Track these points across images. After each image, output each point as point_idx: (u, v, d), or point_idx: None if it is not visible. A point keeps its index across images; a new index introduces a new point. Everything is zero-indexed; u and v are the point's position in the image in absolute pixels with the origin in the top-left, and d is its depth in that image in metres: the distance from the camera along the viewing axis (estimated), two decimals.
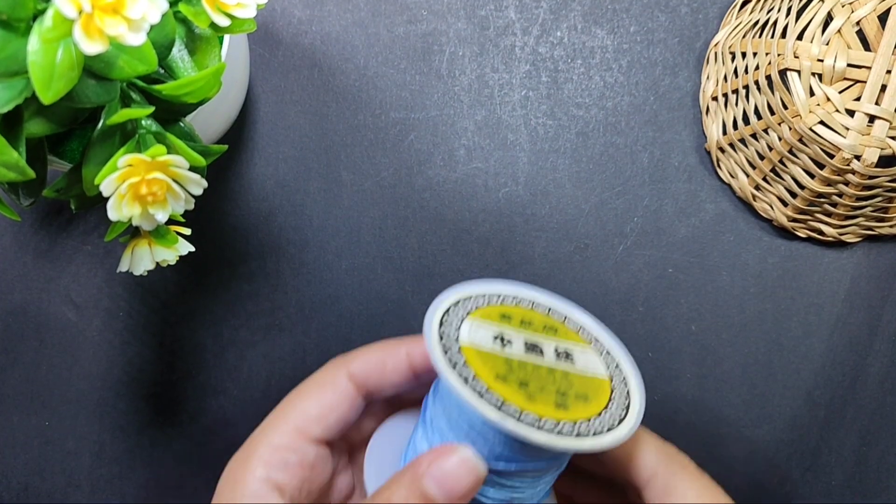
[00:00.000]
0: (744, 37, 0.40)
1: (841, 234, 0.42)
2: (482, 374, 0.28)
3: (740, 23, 0.41)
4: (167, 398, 0.43)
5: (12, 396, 0.43)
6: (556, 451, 0.28)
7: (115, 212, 0.26)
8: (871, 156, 0.36)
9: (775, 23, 0.38)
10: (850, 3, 0.36)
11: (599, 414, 0.29)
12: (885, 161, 0.37)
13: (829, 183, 0.38)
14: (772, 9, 0.39)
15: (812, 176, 0.38)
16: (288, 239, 0.43)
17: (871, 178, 0.37)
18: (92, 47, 0.21)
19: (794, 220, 0.41)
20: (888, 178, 0.37)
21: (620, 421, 0.29)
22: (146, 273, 0.30)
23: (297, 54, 0.43)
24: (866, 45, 0.36)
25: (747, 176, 0.41)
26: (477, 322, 0.30)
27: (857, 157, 0.36)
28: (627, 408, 0.29)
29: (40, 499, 0.43)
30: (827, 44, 0.36)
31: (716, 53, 0.42)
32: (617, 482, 0.32)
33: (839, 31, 0.36)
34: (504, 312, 0.31)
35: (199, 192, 0.27)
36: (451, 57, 0.43)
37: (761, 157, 0.40)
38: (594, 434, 0.28)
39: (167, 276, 0.43)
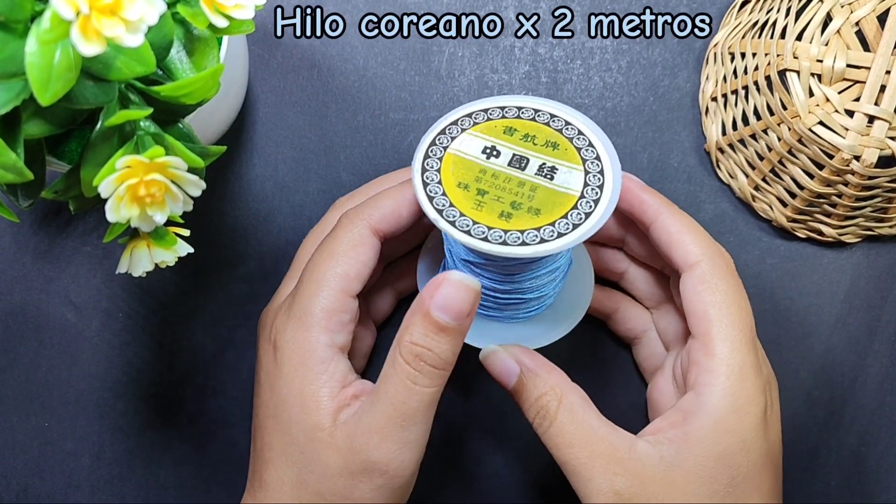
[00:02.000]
0: (743, 37, 0.40)
1: (840, 235, 0.42)
2: (445, 181, 0.31)
3: (739, 23, 0.41)
4: (166, 399, 0.43)
5: (11, 397, 0.43)
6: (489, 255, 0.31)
7: (113, 213, 0.26)
8: (871, 156, 0.36)
9: (774, 23, 0.38)
10: (850, 4, 0.36)
11: (539, 228, 0.30)
12: (885, 161, 0.37)
13: (828, 183, 0.38)
14: (771, 9, 0.39)
15: (811, 176, 0.38)
16: (287, 240, 0.43)
17: (870, 178, 0.37)
18: (89, 49, 0.21)
19: (794, 221, 0.41)
20: (887, 179, 0.37)
21: (560, 236, 0.30)
22: (145, 274, 0.30)
23: (297, 55, 0.43)
24: (865, 46, 0.36)
25: (747, 176, 0.41)
26: (476, 134, 0.33)
27: (857, 158, 0.36)
28: (576, 226, 0.30)
29: (40, 499, 0.43)
30: (826, 44, 0.36)
31: (715, 54, 0.42)
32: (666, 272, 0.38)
33: (838, 31, 0.36)
34: (511, 126, 0.33)
35: (197, 193, 0.27)
36: (451, 58, 0.43)
37: (760, 158, 0.40)
38: (517, 244, 0.30)
39: (166, 278, 0.43)
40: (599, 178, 0.32)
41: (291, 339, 0.32)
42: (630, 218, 0.36)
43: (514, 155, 0.32)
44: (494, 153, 0.32)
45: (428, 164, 0.32)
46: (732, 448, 0.31)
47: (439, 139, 0.33)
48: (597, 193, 0.31)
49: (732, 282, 0.34)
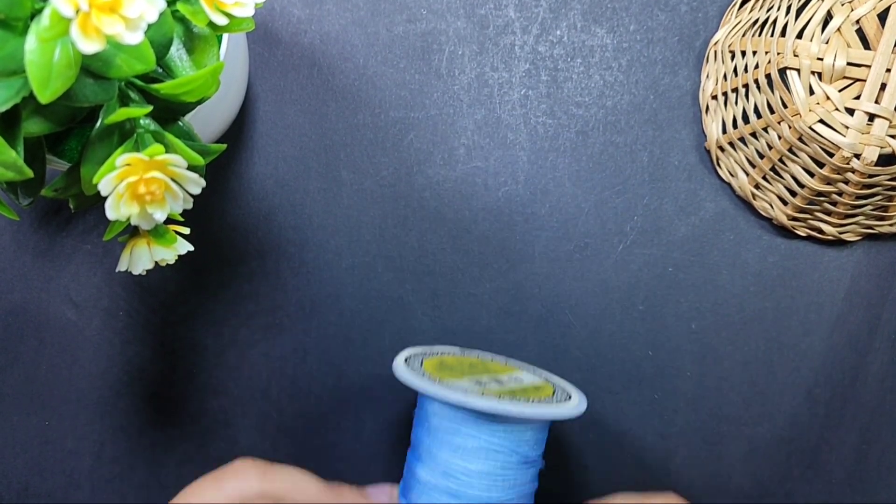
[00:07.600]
0: (743, 35, 0.40)
1: (841, 233, 0.42)
2: (427, 368, 0.35)
3: (740, 21, 0.41)
4: (167, 398, 0.43)
5: (12, 396, 0.43)
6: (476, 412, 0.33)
7: (113, 211, 0.26)
8: (871, 154, 0.36)
9: (775, 21, 0.38)
10: (850, 2, 0.36)
11: (529, 398, 0.33)
12: (885, 160, 0.37)
13: (828, 181, 0.38)
14: (771, 7, 0.39)
15: (812, 175, 0.38)
16: (288, 238, 0.43)
17: (870, 176, 0.37)
18: (89, 46, 0.21)
19: (794, 219, 0.41)
20: (888, 177, 0.37)
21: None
22: (145, 272, 0.30)
23: (297, 53, 0.43)
24: (866, 44, 0.36)
25: (747, 175, 0.41)
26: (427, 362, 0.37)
27: (857, 156, 0.36)
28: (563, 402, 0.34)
29: (40, 499, 0.43)
30: (826, 42, 0.36)
31: (715, 52, 0.42)
32: None
33: (839, 29, 0.36)
34: (444, 361, 0.37)
35: (197, 191, 0.27)
36: (451, 56, 0.43)
37: (761, 156, 0.40)
38: (510, 402, 0.32)
39: (166, 276, 0.43)
40: (564, 392, 0.36)
41: None
42: None
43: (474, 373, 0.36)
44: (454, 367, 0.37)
45: (410, 365, 0.35)
46: None
47: (416, 355, 0.37)
48: (566, 393, 0.36)
49: None
